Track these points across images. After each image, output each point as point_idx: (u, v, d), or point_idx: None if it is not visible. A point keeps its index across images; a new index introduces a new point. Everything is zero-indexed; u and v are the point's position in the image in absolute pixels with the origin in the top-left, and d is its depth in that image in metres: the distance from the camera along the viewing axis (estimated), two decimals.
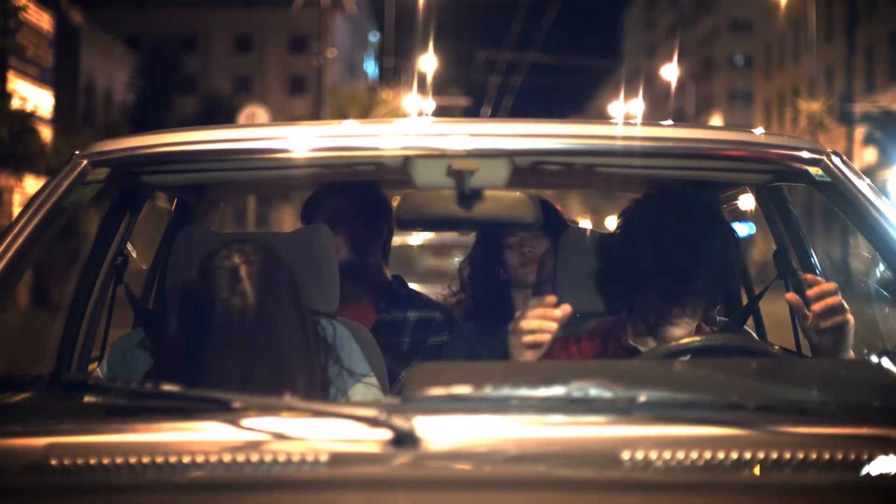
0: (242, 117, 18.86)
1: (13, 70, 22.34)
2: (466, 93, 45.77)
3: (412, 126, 2.17)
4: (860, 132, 28.62)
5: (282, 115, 45.10)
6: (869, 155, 28.98)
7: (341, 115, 34.32)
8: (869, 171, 25.40)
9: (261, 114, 19.03)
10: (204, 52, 54.78)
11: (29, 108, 18.43)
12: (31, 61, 23.37)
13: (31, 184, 20.54)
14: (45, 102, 24.15)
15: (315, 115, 24.10)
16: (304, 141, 2.11)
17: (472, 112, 46.44)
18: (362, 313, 3.06)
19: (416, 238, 8.63)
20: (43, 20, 24.38)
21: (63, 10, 29.57)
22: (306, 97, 46.57)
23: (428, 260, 8.88)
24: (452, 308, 3.34)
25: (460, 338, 3.15)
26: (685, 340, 2.13)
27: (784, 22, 44.75)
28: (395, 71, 44.15)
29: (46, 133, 22.46)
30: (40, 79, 24.47)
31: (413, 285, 3.45)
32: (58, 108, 26.47)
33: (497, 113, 41.90)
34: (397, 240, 3.31)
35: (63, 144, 21.44)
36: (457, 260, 3.46)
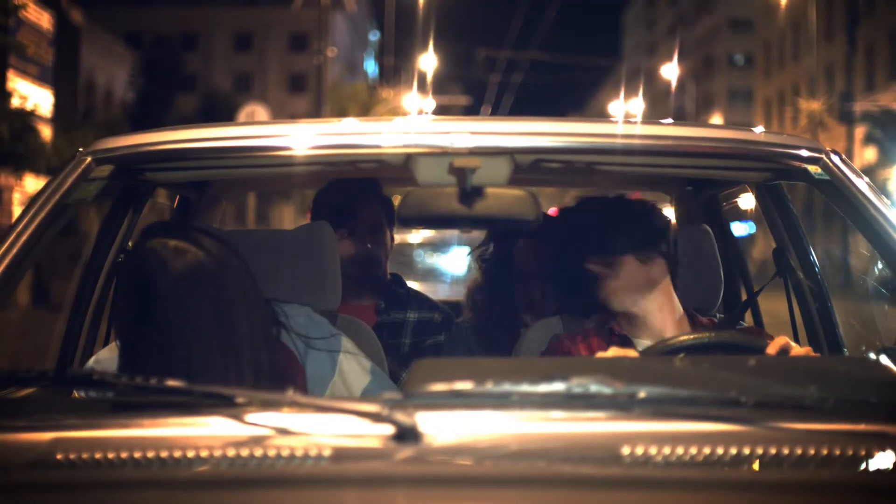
0: (242, 115, 18.85)
1: (13, 69, 22.26)
2: (466, 91, 45.80)
3: (414, 124, 2.18)
4: (860, 131, 28.59)
5: (282, 114, 45.04)
6: (869, 154, 28.94)
7: (341, 113, 34.31)
8: (869, 170, 25.36)
9: (261, 112, 19.01)
10: (204, 51, 54.74)
11: (29, 106, 18.39)
12: (31, 60, 23.28)
13: (32, 182, 20.46)
14: (44, 101, 24.08)
15: (315, 113, 24.08)
16: (306, 138, 2.11)
17: (472, 110, 46.41)
18: (363, 312, 3.09)
19: (416, 236, 8.59)
20: (43, 19, 24.31)
21: (63, 9, 29.48)
22: (306, 95, 46.57)
23: (427, 258, 8.84)
24: (466, 305, 3.30)
25: (460, 341, 3.16)
26: (686, 337, 2.15)
27: (784, 21, 44.72)
28: (395, 69, 44.15)
29: (46, 132, 22.39)
30: (40, 77, 24.43)
31: (413, 284, 3.46)
32: (58, 106, 26.43)
33: (497, 111, 41.88)
34: (397, 237, 3.33)
35: (63, 143, 21.35)
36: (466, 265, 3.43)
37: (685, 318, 2.47)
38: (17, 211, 20.03)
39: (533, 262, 3.02)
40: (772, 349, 2.05)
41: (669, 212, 3.26)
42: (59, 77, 26.96)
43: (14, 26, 21.46)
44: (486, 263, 3.24)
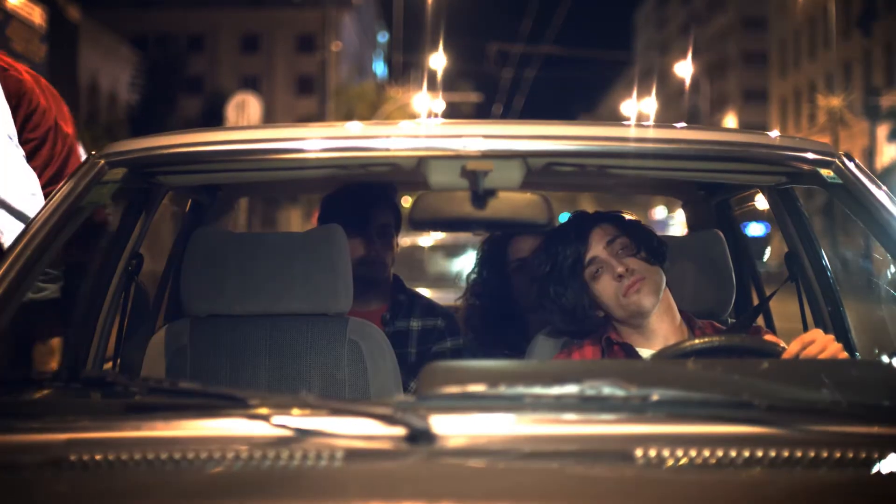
0: (232, 105, 17.97)
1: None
2: (477, 87, 45.62)
3: (426, 127, 2.19)
4: (883, 129, 28.13)
5: (289, 115, 45.00)
6: (891, 151, 28.52)
7: (349, 112, 34.25)
8: (893, 168, 25.14)
9: (252, 101, 18.11)
10: (210, 52, 54.75)
11: None
12: (21, 56, 22.72)
13: None
14: None
15: (320, 110, 23.99)
16: (318, 142, 2.12)
17: (482, 109, 46.33)
18: (370, 320, 3.10)
19: (428, 239, 8.51)
20: (34, 14, 23.75)
21: (59, 6, 28.89)
22: (314, 97, 46.61)
23: (439, 262, 8.76)
24: (465, 312, 3.36)
25: (468, 352, 3.19)
26: (698, 341, 2.15)
27: (799, 18, 44.50)
28: (405, 67, 44.10)
29: None
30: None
31: (424, 290, 3.47)
32: None
33: (508, 110, 41.83)
34: (407, 240, 3.36)
35: None
36: (463, 271, 3.48)
37: (684, 324, 2.47)
38: None
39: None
40: (796, 345, 2.06)
41: (680, 215, 3.27)
42: (58, 77, 26.51)
43: (2, 21, 21.04)
44: (479, 289, 3.30)
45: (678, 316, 2.47)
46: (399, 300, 3.22)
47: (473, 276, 3.39)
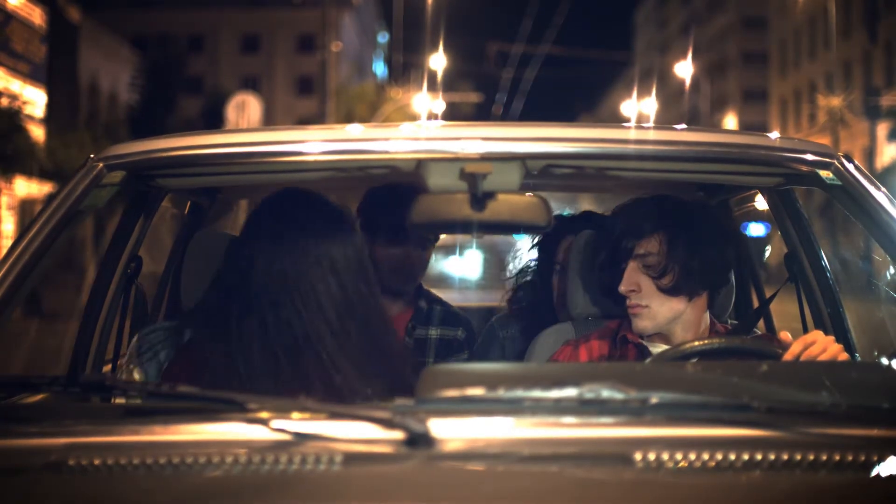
0: (232, 105, 17.94)
1: (1, 66, 21.37)
2: (477, 87, 45.55)
3: (425, 130, 2.19)
4: (882, 128, 28.04)
5: (289, 116, 44.97)
6: (891, 151, 28.47)
7: (349, 113, 34.19)
8: (893, 168, 25.07)
9: (252, 102, 18.06)
10: (210, 52, 54.66)
11: (18, 105, 17.70)
12: (21, 56, 22.28)
13: (23, 186, 19.37)
14: (37, 100, 22.99)
15: (321, 111, 23.99)
16: (317, 144, 2.12)
17: (482, 109, 46.31)
18: (395, 323, 3.06)
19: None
20: (34, 14, 23.19)
21: (59, 7, 28.62)
22: (314, 97, 46.61)
23: (439, 264, 8.74)
24: (509, 301, 3.30)
25: (494, 341, 3.16)
26: (697, 343, 2.15)
27: (799, 18, 44.47)
28: (405, 67, 44.08)
29: (38, 132, 21.33)
30: (32, 75, 23.23)
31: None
32: (57, 107, 25.78)
33: (508, 110, 41.81)
34: None
35: (57, 144, 20.67)
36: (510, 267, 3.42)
37: (708, 329, 2.43)
38: (4, 215, 19.25)
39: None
40: (798, 346, 2.05)
41: None
42: (58, 78, 26.26)
43: (2, 21, 20.73)
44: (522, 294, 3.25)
45: (704, 326, 2.39)
46: (419, 307, 3.14)
47: (524, 278, 3.26)
